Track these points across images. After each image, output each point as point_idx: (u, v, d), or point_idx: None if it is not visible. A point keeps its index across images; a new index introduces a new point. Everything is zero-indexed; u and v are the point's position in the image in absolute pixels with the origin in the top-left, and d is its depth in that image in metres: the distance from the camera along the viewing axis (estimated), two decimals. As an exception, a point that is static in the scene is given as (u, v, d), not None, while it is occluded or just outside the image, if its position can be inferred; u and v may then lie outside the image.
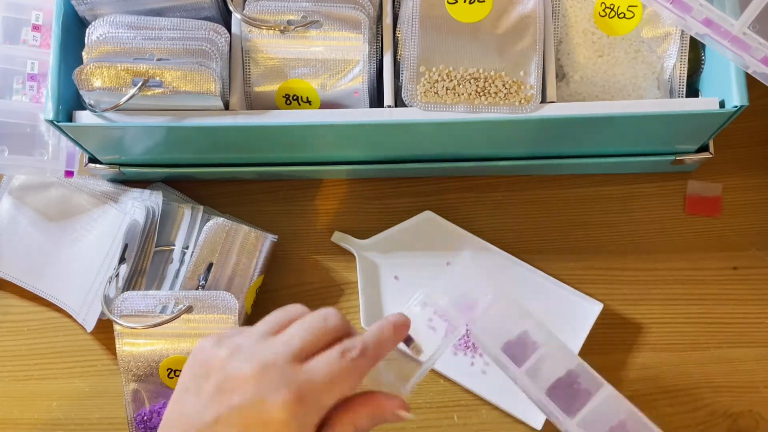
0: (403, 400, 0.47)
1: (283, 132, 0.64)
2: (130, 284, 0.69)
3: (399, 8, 0.66)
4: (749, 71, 0.58)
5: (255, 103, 0.67)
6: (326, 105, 0.67)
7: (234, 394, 0.43)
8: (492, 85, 0.63)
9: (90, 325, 0.68)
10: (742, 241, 0.72)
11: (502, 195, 0.74)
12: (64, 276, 0.70)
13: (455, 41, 0.63)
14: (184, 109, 0.63)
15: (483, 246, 0.71)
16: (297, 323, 0.46)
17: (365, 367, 0.45)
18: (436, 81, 0.63)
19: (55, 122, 0.62)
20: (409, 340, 0.51)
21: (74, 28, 0.65)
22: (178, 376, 0.67)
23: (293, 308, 0.48)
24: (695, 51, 0.66)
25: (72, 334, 0.72)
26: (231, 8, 0.65)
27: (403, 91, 0.64)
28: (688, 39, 0.65)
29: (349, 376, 0.44)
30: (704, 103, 0.62)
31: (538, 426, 0.67)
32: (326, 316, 0.46)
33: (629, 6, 0.64)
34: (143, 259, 0.69)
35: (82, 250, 0.71)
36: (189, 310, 0.65)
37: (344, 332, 0.46)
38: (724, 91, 0.61)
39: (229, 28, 0.65)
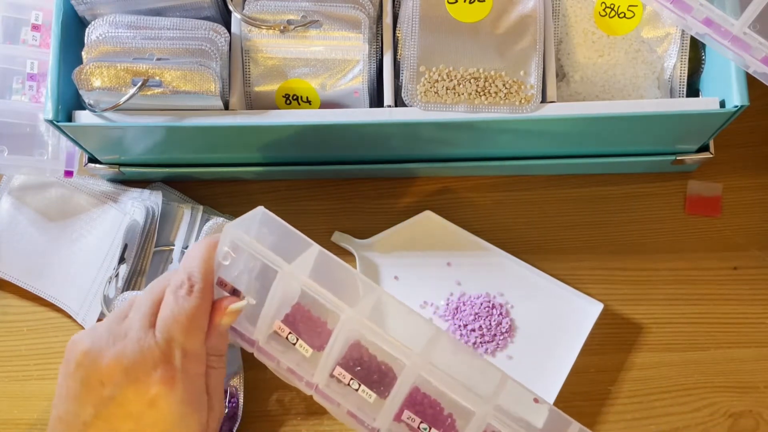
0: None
1: (283, 132, 0.64)
2: (130, 284, 0.69)
3: (399, 8, 0.66)
4: (750, 71, 0.58)
5: (255, 103, 0.67)
6: (326, 105, 0.67)
7: (105, 388, 0.44)
8: (492, 84, 0.63)
9: (89, 325, 0.68)
10: (743, 241, 0.72)
11: (502, 195, 0.74)
12: (64, 276, 0.70)
13: (455, 41, 0.63)
14: (184, 109, 0.63)
15: (483, 246, 0.71)
16: (141, 294, 0.48)
17: (202, 291, 0.46)
18: (436, 81, 0.63)
19: (55, 122, 0.62)
20: (235, 292, 0.50)
21: (74, 27, 0.65)
22: (177, 376, 0.67)
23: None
24: (695, 51, 0.66)
25: (72, 334, 0.71)
26: (231, 8, 0.65)
27: (403, 90, 0.64)
28: (689, 39, 0.65)
29: (194, 308, 0.46)
30: (704, 103, 0.62)
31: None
32: (170, 274, 0.48)
33: (629, 6, 0.64)
34: (143, 259, 0.69)
35: (82, 250, 0.71)
36: (189, 310, 0.65)
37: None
38: (724, 91, 0.61)
39: (229, 28, 0.65)
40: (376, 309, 0.50)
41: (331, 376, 0.49)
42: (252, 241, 0.49)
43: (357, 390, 0.49)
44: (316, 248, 0.51)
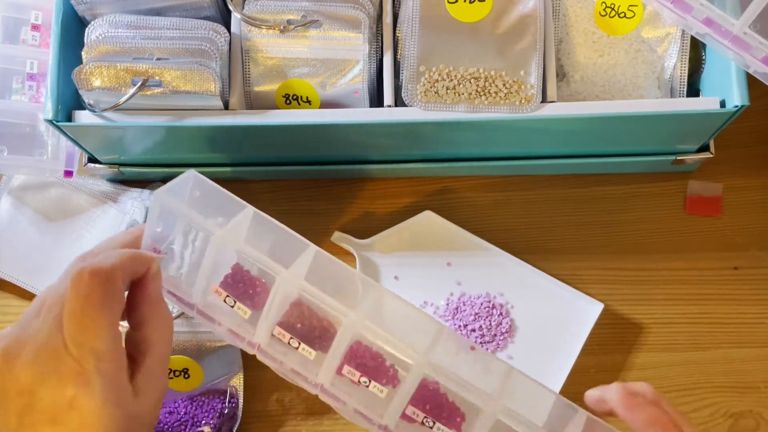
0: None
1: (283, 132, 0.64)
2: (130, 284, 0.69)
3: (399, 8, 0.66)
4: (750, 71, 0.58)
5: (255, 102, 0.67)
6: (326, 105, 0.67)
7: (22, 396, 0.43)
8: (492, 84, 0.63)
9: (89, 325, 0.68)
10: (743, 241, 0.72)
11: (502, 195, 0.74)
12: (64, 276, 0.70)
13: (455, 41, 0.63)
14: (183, 108, 0.63)
15: (483, 246, 0.71)
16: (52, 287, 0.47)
17: (103, 285, 0.44)
18: (437, 80, 0.63)
19: (55, 122, 0.62)
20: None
21: (74, 27, 0.65)
22: (177, 376, 0.67)
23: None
24: (696, 50, 0.66)
25: (71, 334, 0.71)
26: (231, 8, 0.64)
27: (403, 90, 0.64)
28: (689, 39, 0.65)
29: (93, 306, 0.44)
30: (705, 103, 0.62)
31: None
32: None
33: (630, 6, 0.64)
34: (143, 259, 0.69)
35: (82, 250, 0.70)
36: (189, 310, 0.65)
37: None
38: (724, 91, 0.61)
39: (228, 28, 0.65)
40: (313, 268, 0.50)
41: (273, 336, 0.50)
42: (182, 206, 0.49)
43: (297, 348, 0.49)
44: (250, 210, 0.51)
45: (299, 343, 0.49)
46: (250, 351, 0.51)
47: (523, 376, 0.49)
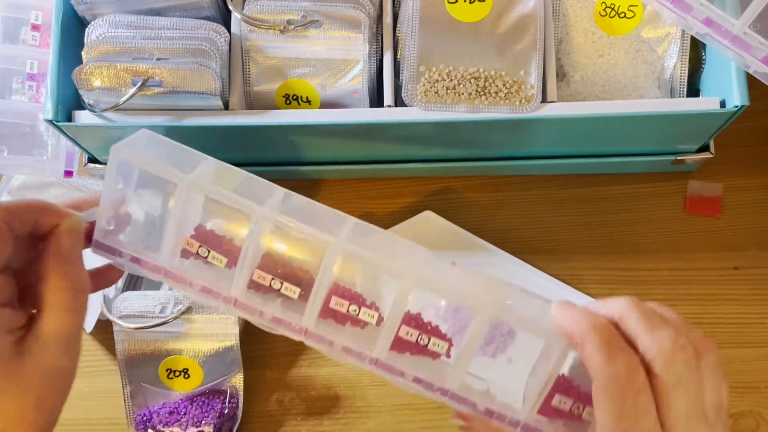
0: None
1: (283, 132, 0.64)
2: (130, 284, 0.69)
3: (399, 8, 0.66)
4: (750, 71, 0.58)
5: (255, 102, 0.67)
6: (326, 105, 0.67)
7: None
8: (492, 84, 0.63)
9: (89, 325, 0.68)
10: (743, 241, 0.72)
11: (502, 195, 0.74)
12: (64, 276, 0.70)
13: (455, 41, 0.63)
14: (183, 108, 0.63)
15: (483, 246, 0.71)
16: None
17: None
18: (437, 81, 0.63)
19: (55, 122, 0.62)
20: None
21: (74, 27, 0.65)
22: (177, 376, 0.67)
23: None
24: (696, 50, 0.66)
25: (71, 334, 0.71)
26: (231, 8, 0.64)
27: (403, 90, 0.64)
28: (689, 39, 0.65)
29: None
30: (705, 103, 0.62)
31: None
32: None
33: (630, 6, 0.64)
34: (143, 259, 0.69)
35: (82, 250, 0.70)
36: (188, 310, 0.65)
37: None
38: (724, 91, 0.61)
39: (228, 28, 0.65)
40: (285, 208, 0.49)
41: (249, 287, 0.49)
42: (145, 158, 0.48)
43: (280, 289, 0.48)
44: (211, 161, 0.50)
45: (281, 283, 0.48)
46: (226, 307, 0.50)
47: (508, 285, 0.49)
